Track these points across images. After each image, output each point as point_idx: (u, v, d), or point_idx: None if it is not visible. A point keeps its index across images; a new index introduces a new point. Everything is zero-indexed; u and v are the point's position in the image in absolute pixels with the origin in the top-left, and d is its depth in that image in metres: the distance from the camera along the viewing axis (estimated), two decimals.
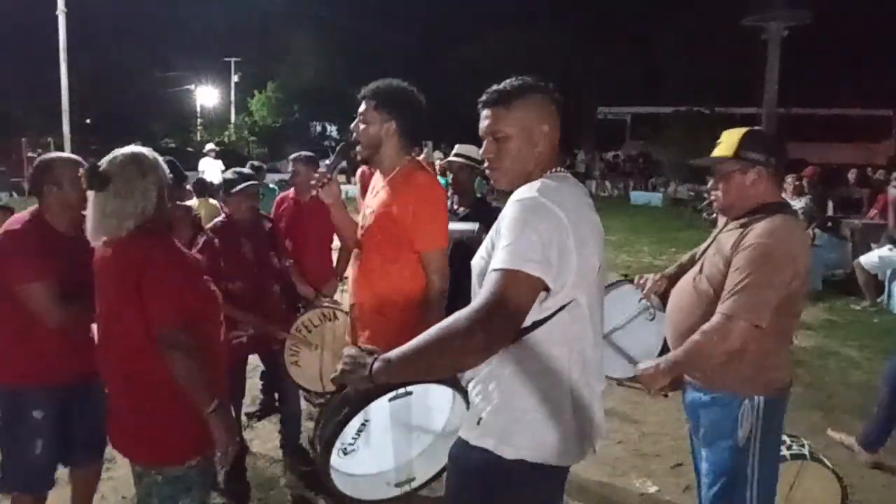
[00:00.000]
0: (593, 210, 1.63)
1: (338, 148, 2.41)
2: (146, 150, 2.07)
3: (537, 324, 1.52)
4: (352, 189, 9.28)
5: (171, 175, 2.11)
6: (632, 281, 2.52)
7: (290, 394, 3.54)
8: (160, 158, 2.09)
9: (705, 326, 1.96)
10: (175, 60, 34.74)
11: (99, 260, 2.03)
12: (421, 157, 2.89)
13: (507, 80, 1.65)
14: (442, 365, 1.41)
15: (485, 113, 1.66)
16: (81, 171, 2.00)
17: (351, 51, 33.05)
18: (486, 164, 1.70)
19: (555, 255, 1.44)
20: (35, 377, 2.39)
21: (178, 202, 3.23)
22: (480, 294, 1.41)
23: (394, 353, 1.41)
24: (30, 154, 22.40)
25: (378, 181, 2.45)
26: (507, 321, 1.38)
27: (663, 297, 2.38)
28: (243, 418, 3.77)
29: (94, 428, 2.46)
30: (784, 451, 2.76)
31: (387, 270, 2.33)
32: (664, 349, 2.29)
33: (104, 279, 2.01)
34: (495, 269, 1.42)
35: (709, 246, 2.17)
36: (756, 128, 2.22)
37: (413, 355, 1.38)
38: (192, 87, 37.20)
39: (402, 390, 1.51)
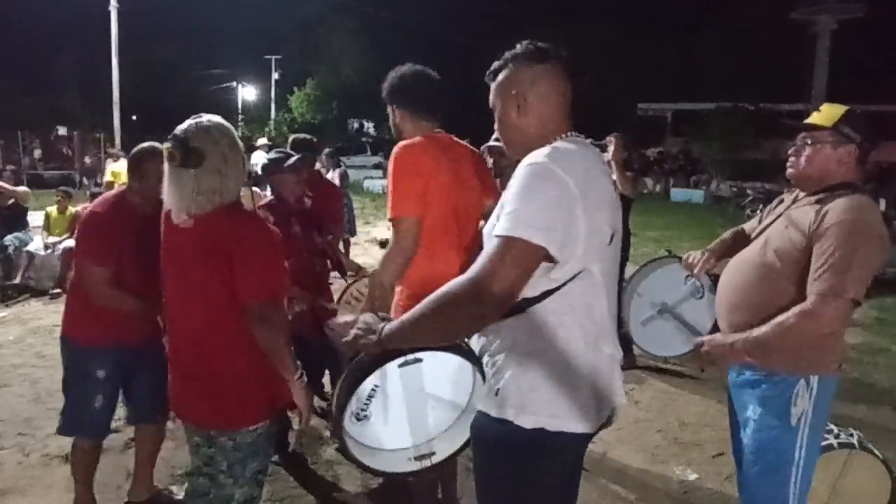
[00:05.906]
0: (606, 175, 1.57)
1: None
2: (224, 121, 2.03)
3: (547, 294, 1.48)
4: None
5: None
6: (678, 258, 2.49)
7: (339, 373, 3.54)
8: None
9: (799, 308, 1.85)
10: (217, 58, 35.59)
11: (175, 232, 1.98)
12: None
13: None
14: (440, 330, 1.39)
15: None
16: (165, 148, 1.94)
17: (389, 49, 33.28)
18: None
19: (560, 223, 1.39)
20: (102, 339, 2.62)
21: None
22: (478, 260, 1.37)
23: (401, 317, 1.42)
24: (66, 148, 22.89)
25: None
26: (500, 292, 1.33)
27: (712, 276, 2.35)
28: None
29: (158, 386, 2.42)
30: (831, 440, 2.70)
31: None
32: (714, 328, 2.27)
33: (185, 250, 1.96)
34: (496, 235, 1.39)
35: (773, 221, 2.09)
36: (858, 108, 2.09)
37: (415, 320, 1.39)
38: (234, 84, 38.00)
39: (411, 357, 1.52)
